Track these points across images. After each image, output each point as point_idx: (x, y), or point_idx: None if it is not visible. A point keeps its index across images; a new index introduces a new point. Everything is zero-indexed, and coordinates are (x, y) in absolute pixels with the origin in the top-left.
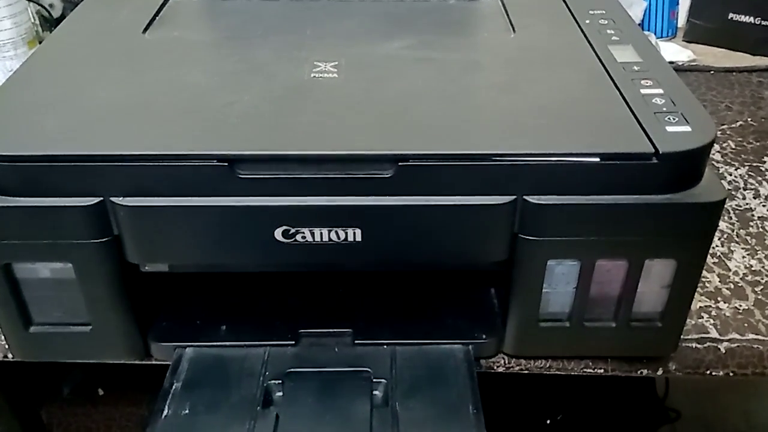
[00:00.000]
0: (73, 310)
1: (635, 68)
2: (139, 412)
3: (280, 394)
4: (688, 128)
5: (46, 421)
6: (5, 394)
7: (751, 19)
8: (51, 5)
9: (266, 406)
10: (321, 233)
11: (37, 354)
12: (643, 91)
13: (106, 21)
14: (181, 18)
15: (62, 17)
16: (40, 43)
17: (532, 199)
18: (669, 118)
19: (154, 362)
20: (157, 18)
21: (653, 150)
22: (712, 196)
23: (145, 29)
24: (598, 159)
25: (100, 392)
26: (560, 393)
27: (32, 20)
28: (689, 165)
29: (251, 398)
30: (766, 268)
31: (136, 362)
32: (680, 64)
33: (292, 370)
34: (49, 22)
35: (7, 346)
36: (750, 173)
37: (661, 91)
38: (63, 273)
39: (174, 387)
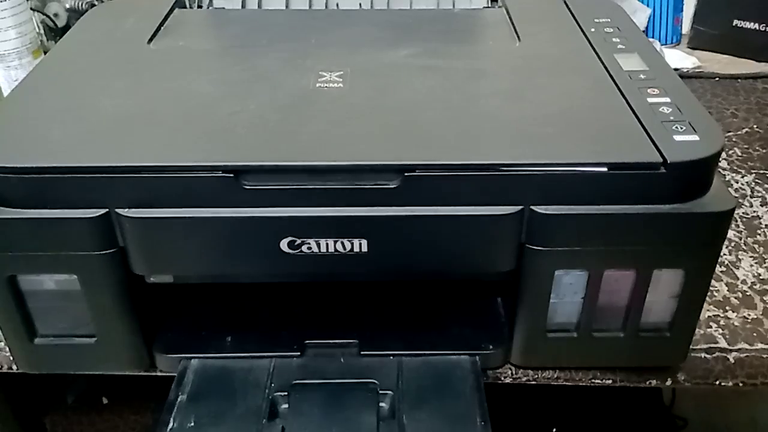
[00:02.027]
0: (77, 322)
1: (641, 76)
2: (144, 421)
3: (286, 406)
4: (695, 137)
5: (50, 430)
6: (9, 402)
7: (756, 26)
8: (56, 15)
9: (272, 418)
10: (327, 244)
11: (41, 366)
12: (650, 99)
13: (111, 31)
14: (186, 27)
15: (67, 27)
16: (44, 52)
17: (540, 209)
18: (676, 127)
19: (159, 374)
20: (162, 28)
21: (661, 159)
22: (720, 206)
23: (150, 39)
24: (605, 169)
25: (104, 401)
26: (567, 401)
27: (37, 30)
28: (697, 174)
29: (257, 410)
30: None
31: (142, 373)
32: (685, 70)
33: (297, 381)
34: (54, 32)
35: (11, 358)
36: (757, 180)
37: (668, 99)
38: (68, 285)
39: (179, 399)
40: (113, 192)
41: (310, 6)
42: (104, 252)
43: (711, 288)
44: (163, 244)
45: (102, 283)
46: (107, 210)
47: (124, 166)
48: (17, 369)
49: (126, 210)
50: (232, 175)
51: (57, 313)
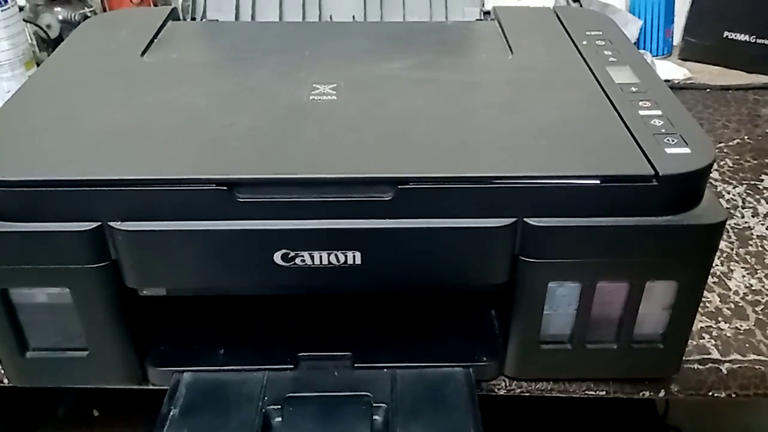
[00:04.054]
0: (69, 335)
1: (633, 89)
2: None
3: (279, 419)
4: (687, 150)
5: None
6: None
7: (746, 37)
8: (48, 26)
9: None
10: (320, 256)
11: (33, 380)
12: (642, 112)
13: (105, 43)
14: (179, 40)
15: (60, 38)
16: (37, 64)
17: (533, 221)
18: (668, 140)
19: (151, 387)
20: (155, 40)
21: (653, 172)
22: (712, 218)
23: (144, 51)
24: (598, 181)
25: (95, 413)
26: (561, 412)
27: (29, 41)
28: (689, 187)
29: (250, 424)
30: (766, 287)
31: (134, 387)
32: (676, 82)
33: (291, 394)
34: (47, 43)
35: (2, 372)
36: (748, 191)
37: (659, 112)
38: (60, 298)
39: (172, 413)
40: (106, 205)
41: (303, 18)
42: (97, 265)
43: (703, 299)
44: (156, 257)
45: (94, 297)
46: (100, 223)
47: (117, 179)
48: (8, 382)
49: (119, 223)
50: (225, 187)
51: (49, 327)
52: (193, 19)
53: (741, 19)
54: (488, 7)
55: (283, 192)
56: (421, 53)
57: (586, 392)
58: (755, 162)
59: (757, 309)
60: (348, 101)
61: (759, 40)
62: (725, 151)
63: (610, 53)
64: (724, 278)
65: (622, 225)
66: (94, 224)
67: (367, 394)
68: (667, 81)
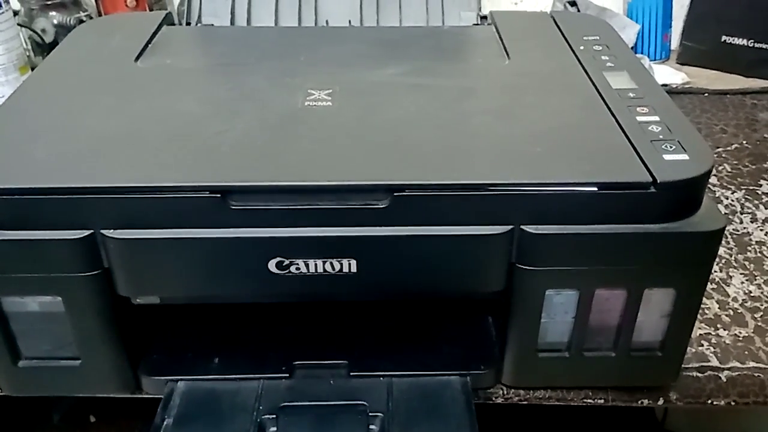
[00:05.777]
0: (62, 344)
1: (630, 95)
2: None
3: (274, 429)
4: (685, 156)
5: None
6: None
7: (744, 42)
8: (43, 31)
9: None
10: (315, 264)
11: (26, 389)
12: (639, 118)
13: (99, 48)
14: (173, 45)
15: (54, 43)
16: (32, 68)
17: (530, 228)
18: (666, 146)
19: (145, 396)
20: (149, 45)
21: (651, 179)
22: (710, 225)
23: (138, 57)
24: (595, 188)
25: (92, 419)
26: (559, 417)
27: (24, 46)
28: (687, 194)
29: None
30: (765, 294)
31: (127, 396)
32: (674, 86)
33: (286, 404)
34: (42, 48)
35: None
36: (747, 197)
37: (657, 118)
38: (52, 307)
39: (165, 423)
40: (98, 213)
41: (299, 23)
42: (89, 274)
43: (702, 306)
44: (149, 266)
45: (87, 306)
46: (92, 231)
47: (109, 186)
48: (1, 392)
49: (111, 231)
50: (219, 195)
51: (41, 336)
52: (188, 23)
53: (739, 23)
54: (485, 11)
55: (277, 199)
56: (417, 58)
57: (584, 400)
58: (753, 167)
59: (756, 316)
60: (343, 107)
61: (757, 45)
62: (723, 156)
63: (607, 58)
64: (722, 284)
65: (620, 232)
66: (86, 232)
67: (363, 403)
68: (664, 85)
